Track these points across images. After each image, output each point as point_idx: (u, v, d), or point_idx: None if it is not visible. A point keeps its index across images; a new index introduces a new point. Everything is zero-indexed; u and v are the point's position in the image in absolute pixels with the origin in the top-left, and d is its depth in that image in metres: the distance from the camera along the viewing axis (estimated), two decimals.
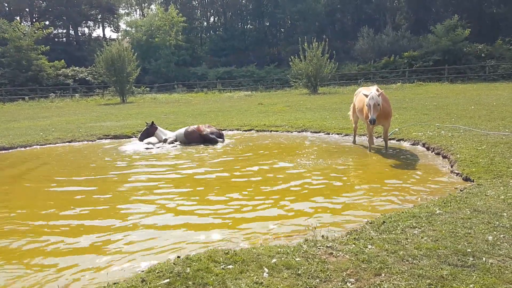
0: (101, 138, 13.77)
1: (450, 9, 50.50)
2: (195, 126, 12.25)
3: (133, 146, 12.00)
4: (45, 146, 12.70)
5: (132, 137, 13.87)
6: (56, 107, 30.84)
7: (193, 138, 11.90)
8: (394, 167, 7.99)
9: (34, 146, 12.59)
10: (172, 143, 12.00)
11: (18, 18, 58.48)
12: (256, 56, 58.71)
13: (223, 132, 12.87)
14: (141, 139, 12.21)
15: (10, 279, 4.06)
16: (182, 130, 12.26)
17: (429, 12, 55.07)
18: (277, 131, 13.56)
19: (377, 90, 8.92)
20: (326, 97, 27.54)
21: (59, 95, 41.41)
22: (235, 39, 61.78)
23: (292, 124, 14.22)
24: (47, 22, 59.88)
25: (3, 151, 12.02)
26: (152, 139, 12.42)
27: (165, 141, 12.18)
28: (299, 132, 13.19)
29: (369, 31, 49.21)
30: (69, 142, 13.20)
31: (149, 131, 12.41)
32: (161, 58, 52.55)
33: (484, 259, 3.70)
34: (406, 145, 10.20)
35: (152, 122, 12.70)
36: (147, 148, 11.59)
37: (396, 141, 10.66)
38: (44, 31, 47.37)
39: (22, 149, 12.30)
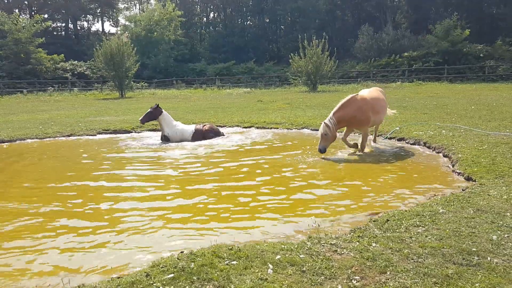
0: (101, 133, 13.73)
1: (450, 9, 50.46)
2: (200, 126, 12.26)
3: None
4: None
5: (132, 132, 13.93)
6: (55, 101, 30.73)
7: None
8: (395, 166, 7.99)
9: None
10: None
11: (16, 10, 58.18)
12: (255, 53, 58.61)
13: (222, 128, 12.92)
14: (142, 122, 12.08)
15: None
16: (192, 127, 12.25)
17: (429, 11, 55.02)
18: (277, 128, 13.53)
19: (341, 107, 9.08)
20: (325, 95, 27.52)
21: (57, 89, 41.30)
22: (234, 35, 61.58)
23: (292, 121, 14.19)
24: (46, 15, 59.56)
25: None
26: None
27: (165, 137, 12.06)
28: (299, 129, 13.17)
29: (369, 29, 49.17)
30: (69, 136, 13.16)
31: (153, 114, 11.98)
32: (160, 54, 52.36)
33: (489, 258, 3.70)
34: (407, 144, 10.19)
35: (157, 104, 12.18)
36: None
37: (397, 140, 10.64)
38: (43, 24, 47.17)
39: (22, 141, 12.26)
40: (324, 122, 8.89)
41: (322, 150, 8.85)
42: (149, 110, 12.10)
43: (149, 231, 4.98)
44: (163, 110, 12.11)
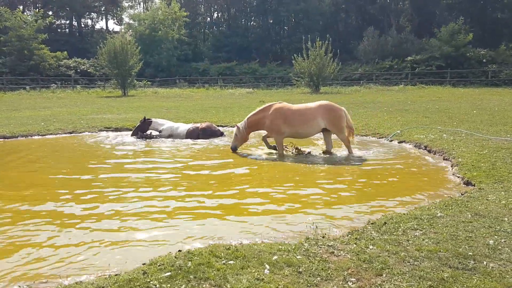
0: (102, 130, 13.78)
1: (454, 13, 50.42)
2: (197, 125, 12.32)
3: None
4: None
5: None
6: (57, 98, 30.81)
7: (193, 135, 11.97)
8: (395, 169, 7.99)
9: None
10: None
11: (21, 7, 58.33)
12: (258, 53, 58.63)
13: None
14: (133, 135, 12.28)
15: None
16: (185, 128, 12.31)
17: (433, 15, 55.00)
18: None
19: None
20: (328, 96, 27.51)
21: (60, 85, 41.41)
22: (238, 35, 61.64)
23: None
24: (50, 12, 59.76)
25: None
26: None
27: (160, 132, 12.27)
28: None
29: (374, 32, 49.12)
30: (70, 133, 13.21)
31: (141, 127, 12.31)
32: (163, 52, 52.41)
33: (485, 263, 3.71)
34: (407, 147, 10.20)
35: (144, 118, 12.53)
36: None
37: (398, 143, 10.65)
38: (46, 20, 47.29)
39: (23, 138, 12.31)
40: (237, 125, 9.95)
41: (233, 149, 9.85)
42: (138, 124, 12.45)
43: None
44: (152, 120, 12.48)
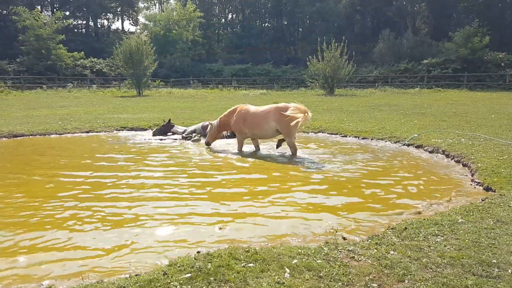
0: (119, 130, 13.92)
1: (471, 16, 49.79)
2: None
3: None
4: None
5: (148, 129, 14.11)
6: (74, 97, 31.17)
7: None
8: (413, 174, 7.89)
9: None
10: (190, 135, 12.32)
11: (38, 7, 59.18)
12: (272, 55, 58.64)
13: None
14: (154, 135, 12.66)
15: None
16: (199, 124, 12.69)
17: (450, 18, 54.42)
18: None
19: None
20: (342, 99, 27.39)
21: (76, 85, 41.92)
22: (252, 36, 61.77)
23: (308, 124, 14.12)
24: (67, 13, 60.58)
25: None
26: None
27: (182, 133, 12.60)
28: (315, 133, 13.13)
29: (390, 34, 48.73)
30: (87, 132, 13.36)
31: (165, 130, 12.82)
32: (177, 53, 52.72)
33: (509, 271, 3.63)
34: (425, 151, 10.06)
35: (169, 120, 13.12)
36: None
37: (415, 147, 10.51)
38: (64, 21, 47.95)
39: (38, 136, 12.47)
40: (210, 122, 10.94)
41: (206, 144, 10.79)
42: (162, 124, 13.08)
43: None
44: (174, 125, 13.16)
